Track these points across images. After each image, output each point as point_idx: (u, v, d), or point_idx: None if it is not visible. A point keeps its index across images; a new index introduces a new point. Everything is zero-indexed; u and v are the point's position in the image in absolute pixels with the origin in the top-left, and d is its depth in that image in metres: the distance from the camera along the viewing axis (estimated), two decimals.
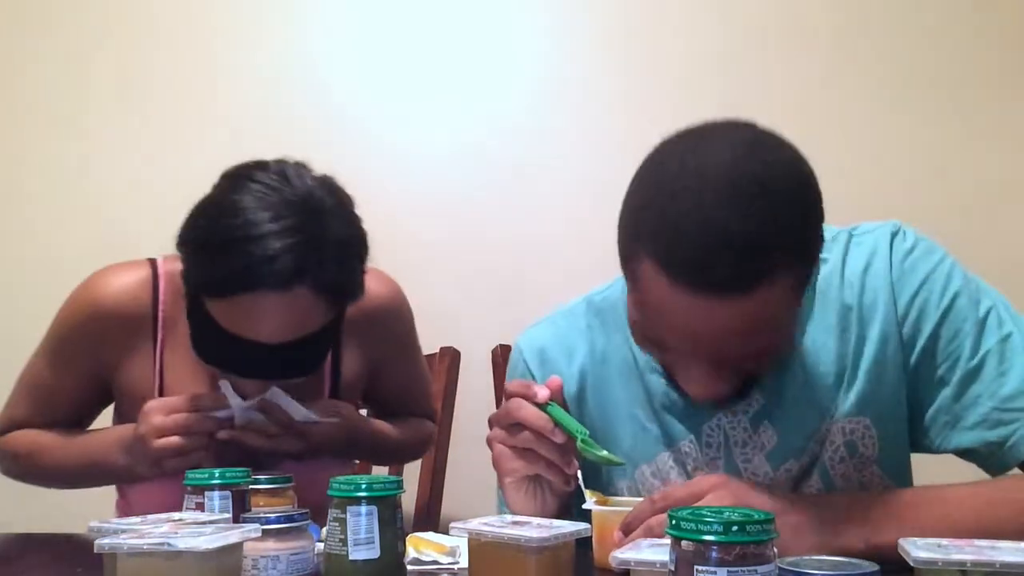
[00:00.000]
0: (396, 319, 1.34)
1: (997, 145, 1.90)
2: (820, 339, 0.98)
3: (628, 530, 0.84)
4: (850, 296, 0.98)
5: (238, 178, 1.08)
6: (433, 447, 1.63)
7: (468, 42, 2.00)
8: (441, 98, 1.99)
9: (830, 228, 0.96)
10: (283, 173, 1.07)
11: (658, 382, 1.02)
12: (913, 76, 1.92)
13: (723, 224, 0.79)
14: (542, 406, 0.94)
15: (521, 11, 2.00)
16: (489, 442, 1.00)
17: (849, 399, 0.97)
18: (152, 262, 1.24)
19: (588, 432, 0.94)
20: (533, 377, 1.09)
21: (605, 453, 0.94)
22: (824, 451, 0.98)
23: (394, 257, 1.95)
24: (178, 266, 1.18)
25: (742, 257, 0.79)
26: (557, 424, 0.93)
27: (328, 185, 1.11)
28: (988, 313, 0.94)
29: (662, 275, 0.82)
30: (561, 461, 0.94)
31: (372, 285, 1.22)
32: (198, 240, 1.06)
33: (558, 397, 0.96)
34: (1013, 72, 1.91)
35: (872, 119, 1.93)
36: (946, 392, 0.94)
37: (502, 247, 1.96)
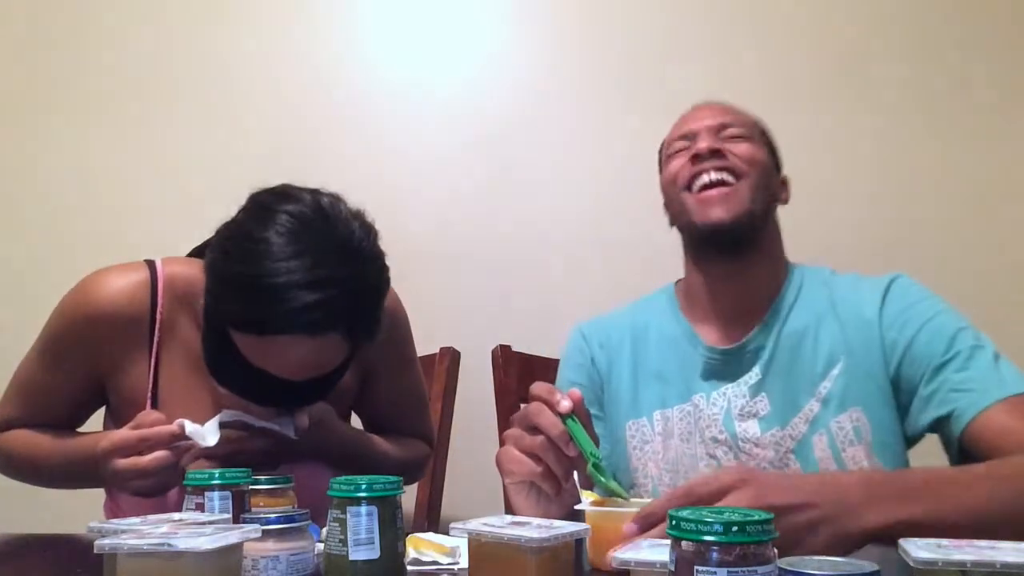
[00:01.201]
0: (391, 327, 1.28)
1: (995, 146, 1.90)
2: (807, 333, 1.24)
3: (648, 522, 0.83)
4: (844, 308, 1.23)
5: (273, 212, 1.04)
6: (434, 440, 1.63)
7: (468, 42, 2.00)
8: (441, 98, 1.99)
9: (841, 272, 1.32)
10: (320, 210, 1.05)
11: (687, 352, 1.29)
12: (912, 76, 1.93)
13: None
14: (563, 417, 0.95)
15: (521, 9, 2.00)
16: (503, 439, 1.01)
17: (833, 386, 1.19)
18: (151, 264, 1.23)
19: (600, 457, 0.94)
20: (592, 358, 1.35)
21: (614, 484, 0.94)
22: (817, 430, 1.18)
23: (394, 257, 1.96)
24: (178, 268, 1.20)
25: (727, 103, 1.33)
26: (572, 439, 0.94)
27: (364, 224, 1.09)
28: (964, 330, 1.15)
29: (682, 116, 1.35)
30: (562, 474, 0.96)
31: None
32: (233, 277, 1.03)
33: (580, 410, 0.97)
34: (1011, 74, 1.91)
35: (871, 119, 1.93)
36: (921, 384, 1.15)
37: (502, 247, 1.96)
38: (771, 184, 1.27)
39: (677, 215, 1.28)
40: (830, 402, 1.19)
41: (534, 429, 0.97)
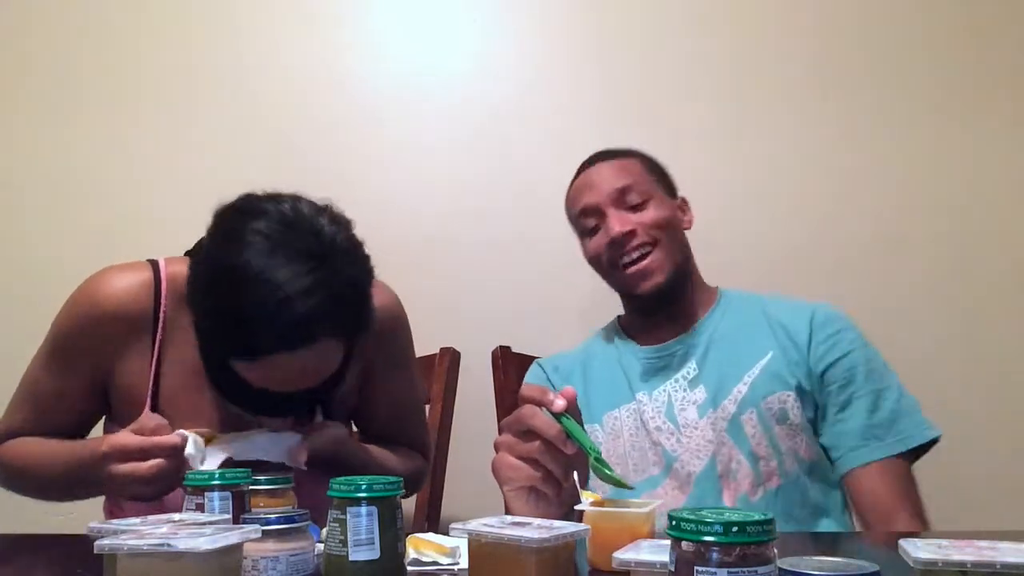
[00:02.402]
0: (391, 330, 1.32)
1: (993, 145, 1.91)
2: (740, 332, 1.40)
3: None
4: (775, 313, 1.40)
5: (239, 233, 1.03)
6: (433, 447, 1.63)
7: (464, 44, 2.00)
8: (440, 99, 1.99)
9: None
10: (285, 219, 1.04)
11: (627, 359, 1.45)
12: (910, 77, 1.93)
13: (605, 151, 1.52)
14: (556, 416, 0.96)
15: (519, 13, 2.00)
16: (496, 446, 1.01)
17: (761, 372, 1.34)
18: (154, 263, 1.23)
19: (600, 451, 0.96)
20: (549, 380, 1.48)
21: (617, 475, 0.96)
22: (746, 409, 1.32)
23: (395, 258, 1.96)
24: (180, 268, 1.19)
25: (608, 150, 1.50)
26: (570, 437, 0.95)
27: (332, 217, 1.08)
28: (873, 370, 1.33)
29: (575, 179, 1.51)
30: (562, 475, 0.97)
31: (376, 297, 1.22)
32: (216, 311, 1.04)
33: (573, 409, 0.98)
34: (1008, 73, 1.91)
35: (870, 120, 1.93)
36: (835, 399, 1.32)
37: (503, 248, 1.96)
38: (679, 228, 1.44)
39: (614, 285, 1.46)
40: (758, 386, 1.33)
41: (528, 433, 0.97)
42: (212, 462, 1.09)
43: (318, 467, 1.13)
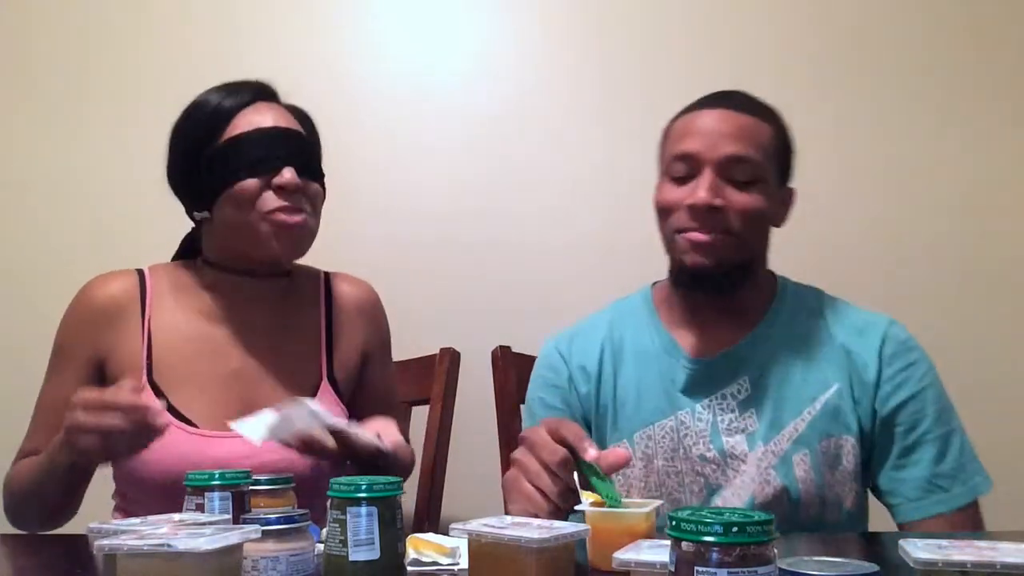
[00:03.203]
0: (379, 315, 1.43)
1: (986, 146, 1.91)
2: (802, 354, 1.23)
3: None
4: (840, 335, 1.24)
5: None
6: (433, 449, 1.63)
7: (464, 44, 2.00)
8: (439, 99, 1.99)
9: (832, 296, 1.32)
10: None
11: (667, 363, 1.26)
12: (909, 77, 1.93)
13: (736, 93, 1.26)
14: (580, 461, 0.96)
15: (521, 13, 2.00)
16: (512, 461, 1.02)
17: (823, 408, 1.20)
18: (139, 270, 1.32)
19: (622, 499, 0.94)
20: (570, 379, 1.31)
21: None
22: (800, 449, 1.19)
23: (395, 258, 1.97)
24: (162, 269, 1.32)
25: (744, 99, 1.24)
26: (591, 485, 0.95)
27: None
28: (943, 412, 1.22)
29: (690, 112, 1.24)
30: (566, 505, 0.98)
31: (357, 287, 1.41)
32: (183, 120, 1.28)
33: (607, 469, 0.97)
34: (1004, 74, 1.91)
35: (870, 119, 1.93)
36: (900, 443, 1.20)
37: (503, 248, 1.96)
38: (768, 224, 1.25)
39: (665, 240, 1.26)
40: (817, 424, 1.20)
41: (552, 471, 0.97)
42: (262, 427, 1.05)
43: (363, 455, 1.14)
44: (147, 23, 2.02)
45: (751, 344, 1.24)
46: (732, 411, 1.22)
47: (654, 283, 1.37)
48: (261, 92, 1.28)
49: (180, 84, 1.99)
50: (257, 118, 1.24)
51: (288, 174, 1.21)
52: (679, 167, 1.21)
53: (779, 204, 1.26)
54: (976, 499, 1.19)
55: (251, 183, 1.20)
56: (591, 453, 0.95)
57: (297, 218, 1.22)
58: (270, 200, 1.21)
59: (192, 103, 1.28)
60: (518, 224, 1.96)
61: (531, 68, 1.99)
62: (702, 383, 1.23)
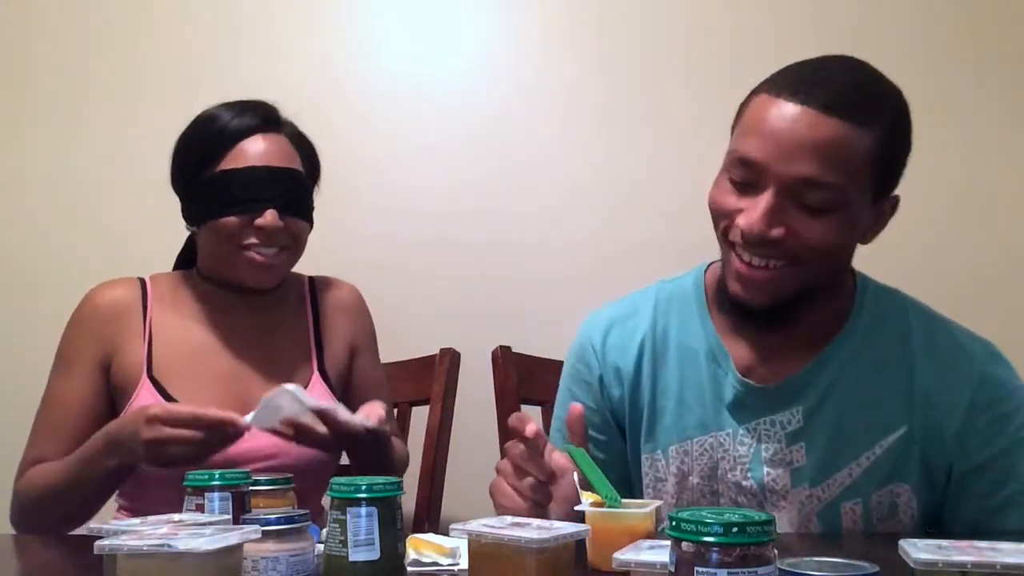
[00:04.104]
0: (363, 312, 1.47)
1: (986, 146, 1.91)
2: (868, 385, 1.05)
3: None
4: (923, 372, 1.04)
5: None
6: (433, 450, 1.63)
7: (464, 44, 2.00)
8: (438, 98, 1.99)
9: (927, 309, 1.11)
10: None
11: (714, 372, 1.09)
12: (909, 77, 1.92)
13: (839, 71, 0.98)
14: (572, 451, 0.95)
15: (519, 12, 2.00)
16: (496, 470, 1.01)
17: (884, 454, 1.04)
18: (140, 278, 1.36)
19: (619, 498, 0.92)
20: (595, 351, 1.17)
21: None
22: (852, 498, 1.04)
23: (395, 258, 1.97)
24: (163, 277, 1.37)
25: (842, 91, 0.94)
26: (587, 480, 0.93)
27: None
28: None
29: (770, 94, 0.96)
30: (542, 500, 0.96)
31: (340, 289, 1.45)
32: (186, 139, 1.31)
33: (576, 427, 0.96)
34: (1004, 73, 1.92)
35: None
36: (983, 504, 1.03)
37: (502, 248, 1.96)
38: (845, 250, 1.02)
39: (719, 243, 1.06)
40: (875, 472, 1.04)
41: (518, 467, 0.96)
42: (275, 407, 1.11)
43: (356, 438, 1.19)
44: (147, 23, 2.02)
45: (813, 371, 1.06)
46: (779, 441, 1.06)
47: (709, 264, 1.17)
48: (265, 120, 1.30)
49: (180, 84, 2.01)
50: (253, 151, 1.27)
51: (269, 216, 1.25)
52: (740, 171, 0.98)
53: (871, 222, 1.02)
54: None
55: (232, 221, 1.26)
56: (529, 429, 0.92)
57: (268, 258, 1.28)
58: (248, 236, 1.27)
59: (200, 118, 1.31)
60: (518, 224, 1.96)
61: (531, 68, 1.99)
62: (751, 406, 1.07)
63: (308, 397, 1.13)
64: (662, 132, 1.90)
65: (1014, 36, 1.92)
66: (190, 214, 1.33)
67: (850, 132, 0.93)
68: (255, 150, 1.27)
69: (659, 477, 1.13)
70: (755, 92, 1.01)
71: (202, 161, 1.28)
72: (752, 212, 0.95)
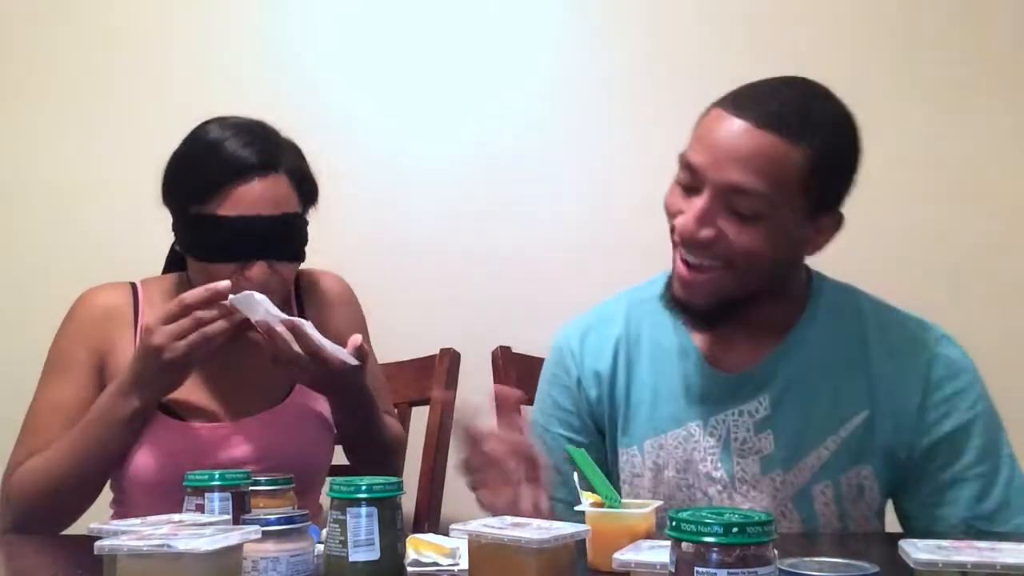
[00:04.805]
0: (351, 306, 1.46)
1: (986, 145, 1.91)
2: (830, 371, 1.11)
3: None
4: (878, 358, 1.11)
5: (199, 125, 1.28)
6: (433, 450, 1.63)
7: (463, 45, 2.00)
8: (441, 101, 1.99)
9: (878, 300, 1.17)
10: (235, 117, 1.29)
11: (684, 367, 1.16)
12: (909, 76, 1.93)
13: (785, 91, 1.05)
14: (571, 452, 0.97)
15: (518, 14, 2.00)
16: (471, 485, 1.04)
17: (851, 436, 1.09)
18: (131, 283, 1.36)
19: (620, 499, 0.93)
20: (573, 355, 1.24)
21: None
22: (822, 480, 1.09)
23: (395, 259, 1.97)
24: (153, 281, 1.36)
25: (780, 108, 1.01)
26: (587, 481, 0.94)
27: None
28: (990, 441, 1.09)
29: (720, 108, 1.04)
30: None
31: (325, 279, 1.44)
32: (177, 155, 1.25)
33: (510, 405, 1.01)
34: (1003, 73, 1.91)
35: (870, 119, 1.93)
36: (937, 478, 1.09)
37: (502, 249, 1.96)
38: (780, 260, 1.06)
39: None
40: (843, 454, 1.09)
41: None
42: (262, 305, 1.14)
43: (339, 384, 1.23)
44: (150, 24, 2.02)
45: (776, 360, 1.12)
46: (747, 430, 1.11)
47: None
48: (263, 159, 1.23)
49: (186, 85, 2.01)
50: (247, 199, 1.20)
51: (257, 270, 1.22)
52: (684, 175, 1.06)
53: (811, 236, 1.07)
54: None
55: (221, 268, 1.21)
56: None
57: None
58: (236, 281, 1.20)
59: (197, 141, 1.26)
60: (519, 224, 1.96)
61: (533, 69, 1.99)
62: (719, 397, 1.13)
63: (273, 308, 1.15)
64: (663, 133, 1.89)
65: (1015, 35, 1.92)
66: (179, 240, 1.29)
67: (780, 146, 0.99)
68: (249, 197, 1.20)
69: (635, 472, 1.18)
70: (712, 105, 1.07)
71: (194, 194, 1.22)
72: (689, 213, 1.03)
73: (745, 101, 1.03)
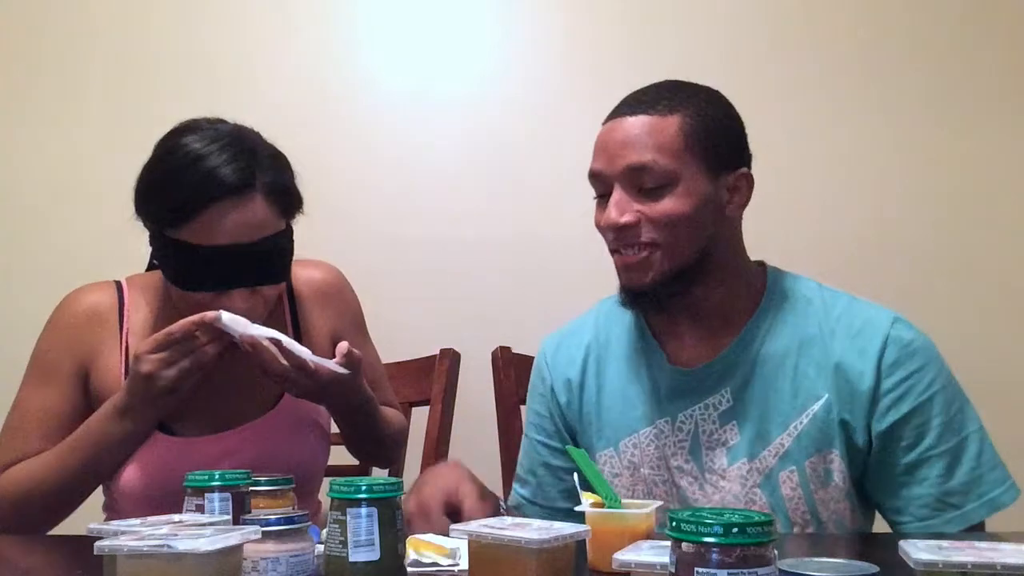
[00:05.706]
0: (345, 296, 1.42)
1: (985, 144, 1.91)
2: (787, 359, 1.14)
3: None
4: (834, 342, 1.14)
5: (172, 134, 1.20)
6: (433, 450, 1.63)
7: (463, 45, 2.00)
8: (442, 101, 1.99)
9: (830, 288, 1.20)
10: (211, 122, 1.21)
11: (650, 367, 1.21)
12: (909, 77, 1.93)
13: (650, 86, 1.18)
14: (573, 452, 0.97)
15: (522, 12, 2.00)
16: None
17: (811, 423, 1.12)
18: (116, 281, 1.33)
19: (620, 500, 0.94)
20: (547, 365, 1.31)
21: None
22: (787, 466, 1.12)
23: (395, 258, 1.97)
24: (139, 279, 1.32)
25: (644, 94, 1.16)
26: (588, 481, 0.95)
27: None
28: (953, 419, 1.10)
29: (603, 123, 1.17)
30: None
31: (317, 270, 1.40)
32: (148, 174, 1.17)
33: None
34: (1009, 73, 1.92)
35: (870, 119, 1.93)
36: (902, 460, 1.10)
37: (503, 249, 1.96)
38: (703, 219, 1.12)
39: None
40: (805, 439, 1.12)
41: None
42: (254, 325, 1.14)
43: (332, 394, 1.22)
44: (153, 24, 2.02)
45: (735, 352, 1.16)
46: (713, 422, 1.16)
47: None
48: (239, 179, 1.15)
49: (188, 85, 2.01)
50: (221, 228, 1.14)
51: (237, 297, 1.18)
52: (595, 186, 1.17)
53: (722, 194, 1.14)
54: (995, 513, 1.09)
55: (197, 296, 1.18)
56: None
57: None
58: (215, 307, 1.17)
59: (169, 155, 1.17)
60: (519, 224, 1.96)
61: (532, 68, 1.99)
62: (684, 392, 1.17)
63: (242, 324, 1.13)
64: None
65: (1014, 34, 1.92)
66: (156, 260, 1.25)
67: (655, 121, 1.11)
68: (225, 225, 1.14)
69: (615, 472, 1.22)
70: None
71: (167, 219, 1.15)
72: (608, 211, 1.13)
73: (619, 105, 1.17)
